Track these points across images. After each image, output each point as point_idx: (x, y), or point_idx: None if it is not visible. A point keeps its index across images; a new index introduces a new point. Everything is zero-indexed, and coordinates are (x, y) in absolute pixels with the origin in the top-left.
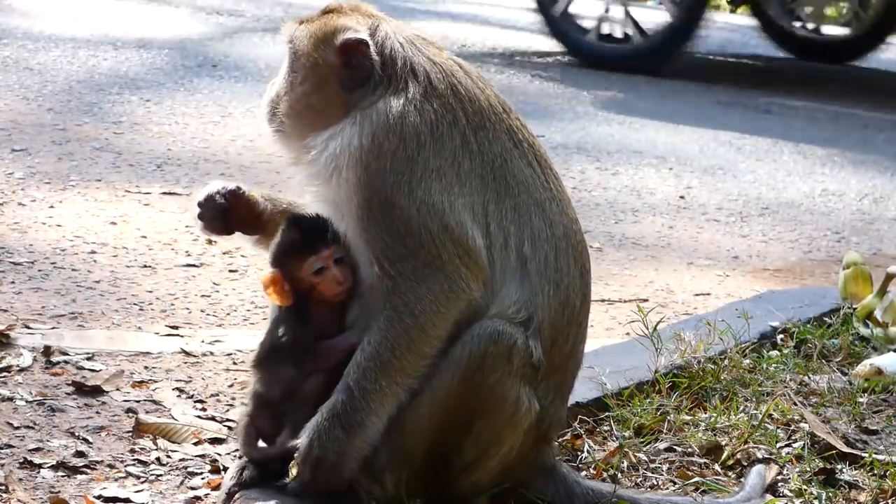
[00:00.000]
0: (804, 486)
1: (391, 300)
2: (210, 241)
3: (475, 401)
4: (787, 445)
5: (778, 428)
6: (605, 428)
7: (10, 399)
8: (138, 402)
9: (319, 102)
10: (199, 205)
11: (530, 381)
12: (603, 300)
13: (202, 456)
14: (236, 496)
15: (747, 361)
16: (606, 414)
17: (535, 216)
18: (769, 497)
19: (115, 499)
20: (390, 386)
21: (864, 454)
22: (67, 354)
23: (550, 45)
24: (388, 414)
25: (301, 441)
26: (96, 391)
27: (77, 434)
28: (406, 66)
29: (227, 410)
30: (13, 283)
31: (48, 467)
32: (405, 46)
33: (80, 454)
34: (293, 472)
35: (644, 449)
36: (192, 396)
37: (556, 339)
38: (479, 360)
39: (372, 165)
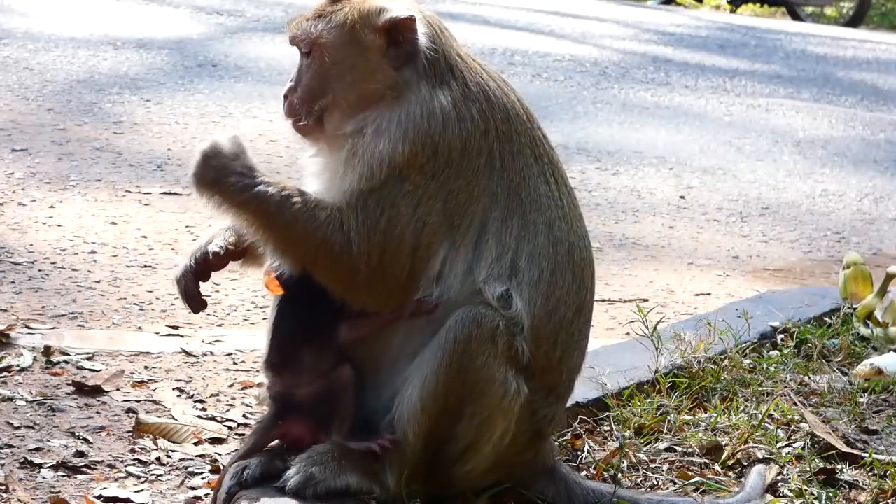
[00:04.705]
0: (804, 486)
1: (330, 224)
2: None
3: (464, 385)
4: (787, 445)
5: (778, 428)
6: (606, 428)
7: (10, 399)
8: (138, 402)
9: (370, 88)
10: (177, 281)
11: (516, 365)
12: (603, 300)
13: (202, 456)
14: (237, 496)
15: (747, 361)
16: (606, 414)
17: (541, 234)
18: (769, 497)
19: (116, 499)
20: (257, 217)
21: (864, 454)
22: (67, 354)
23: (550, 44)
24: (235, 214)
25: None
26: (96, 391)
27: (77, 434)
28: (444, 58)
29: (227, 410)
30: (13, 283)
31: (48, 467)
32: (438, 34)
33: (80, 454)
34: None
35: (644, 449)
36: (192, 396)
37: (539, 344)
38: (465, 344)
39: (398, 169)
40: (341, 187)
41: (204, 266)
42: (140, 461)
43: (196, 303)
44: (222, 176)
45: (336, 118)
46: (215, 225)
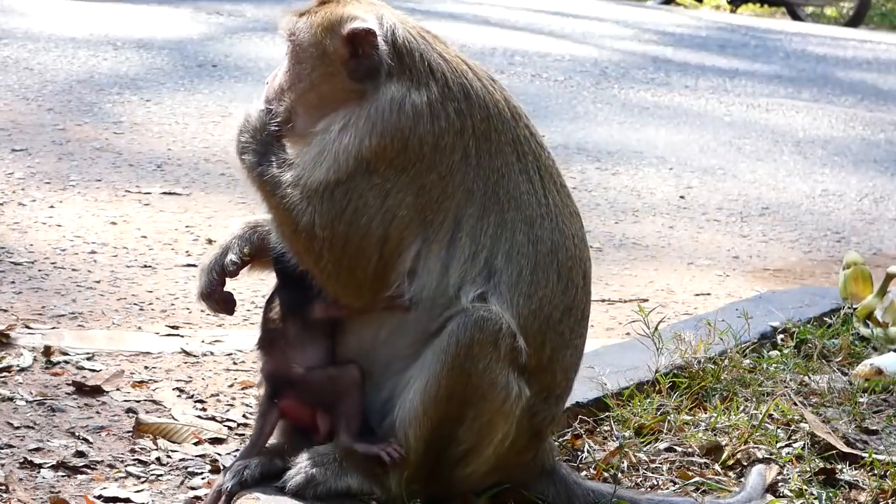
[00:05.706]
0: (804, 486)
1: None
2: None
3: (466, 389)
4: (787, 445)
5: (778, 428)
6: (606, 428)
7: (10, 399)
8: (138, 402)
9: (329, 92)
10: (203, 297)
11: (518, 367)
12: (603, 300)
13: (202, 456)
14: (237, 496)
15: (747, 361)
16: (606, 414)
17: (520, 232)
18: (769, 497)
19: (115, 499)
20: (261, 194)
21: (864, 454)
22: (67, 354)
23: (550, 44)
24: (250, 188)
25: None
26: (96, 391)
27: (77, 434)
28: (424, 61)
29: (227, 410)
30: (13, 283)
31: (48, 467)
32: (417, 39)
33: (80, 454)
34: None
35: (644, 449)
36: (192, 396)
37: (527, 343)
38: (467, 348)
39: (366, 162)
40: (309, 179)
41: (222, 278)
42: (140, 461)
43: (229, 307)
44: (243, 153)
45: (301, 119)
46: (220, 229)
